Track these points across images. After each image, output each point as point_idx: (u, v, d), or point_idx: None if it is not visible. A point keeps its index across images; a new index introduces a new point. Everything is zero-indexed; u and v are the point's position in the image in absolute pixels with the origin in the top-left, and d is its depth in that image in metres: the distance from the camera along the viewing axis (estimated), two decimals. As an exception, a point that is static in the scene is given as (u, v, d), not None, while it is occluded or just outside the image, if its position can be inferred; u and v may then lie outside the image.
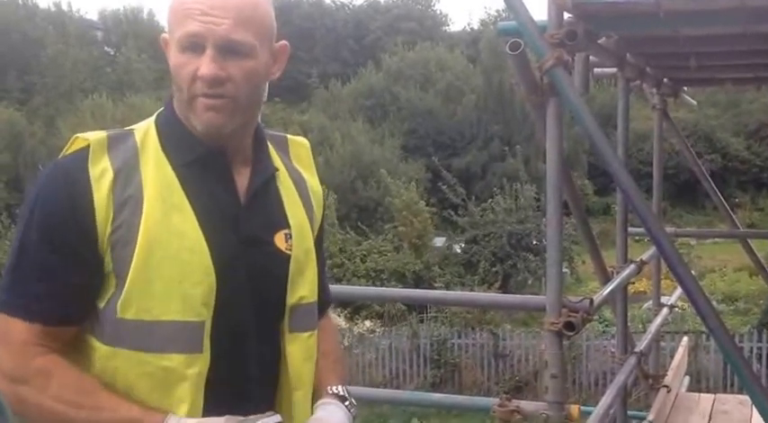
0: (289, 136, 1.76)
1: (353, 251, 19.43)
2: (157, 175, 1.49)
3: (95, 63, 35.34)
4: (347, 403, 1.65)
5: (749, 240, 6.24)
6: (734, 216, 6.30)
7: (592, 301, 2.84)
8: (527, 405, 2.94)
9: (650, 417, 4.35)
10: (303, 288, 1.62)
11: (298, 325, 1.61)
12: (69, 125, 25.59)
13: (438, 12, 49.17)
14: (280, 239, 1.59)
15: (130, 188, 1.46)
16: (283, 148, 1.72)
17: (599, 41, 3.42)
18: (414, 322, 15.29)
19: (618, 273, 3.89)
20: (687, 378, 5.96)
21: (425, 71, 35.48)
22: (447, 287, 17.51)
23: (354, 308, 16.35)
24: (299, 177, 1.70)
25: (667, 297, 5.57)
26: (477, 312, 15.23)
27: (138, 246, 1.44)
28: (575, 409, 2.85)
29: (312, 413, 1.61)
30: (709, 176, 6.05)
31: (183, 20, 1.47)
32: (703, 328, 9.42)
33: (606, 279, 3.84)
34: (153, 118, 1.59)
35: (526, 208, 19.70)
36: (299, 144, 1.76)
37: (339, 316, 15.39)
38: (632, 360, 4.02)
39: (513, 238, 19.39)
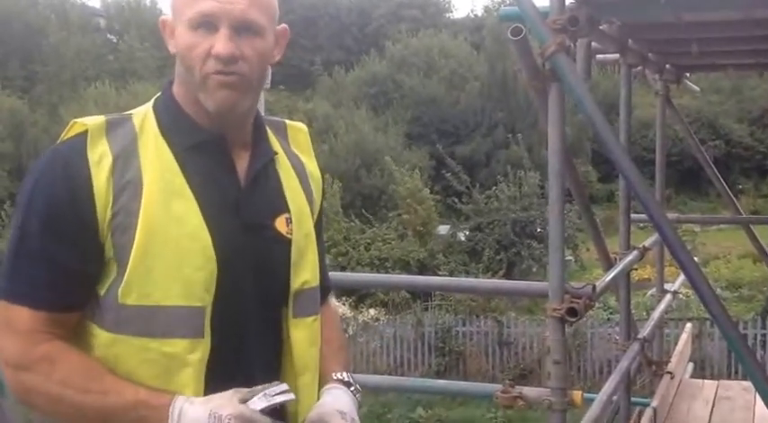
0: (287, 121, 1.77)
1: (358, 239, 19.41)
2: (157, 160, 1.49)
3: (98, 51, 35.16)
4: (352, 389, 1.65)
5: (752, 226, 6.23)
6: (737, 202, 6.30)
7: (594, 286, 2.84)
8: (530, 391, 2.94)
9: (654, 403, 4.36)
10: (306, 272, 1.62)
11: (301, 310, 1.62)
12: (72, 113, 25.37)
13: (441, -2, 48.90)
14: (280, 223, 1.59)
15: (129, 173, 1.46)
16: (282, 133, 1.72)
17: (601, 27, 3.42)
18: (418, 310, 15.30)
19: (621, 259, 3.90)
20: (691, 365, 5.97)
21: (429, 59, 35.30)
22: (451, 275, 17.48)
23: (359, 296, 16.36)
24: (298, 162, 1.70)
25: (671, 284, 5.58)
26: (482, 300, 15.24)
27: (137, 231, 1.44)
28: (577, 395, 2.86)
29: (318, 398, 1.62)
30: (712, 163, 6.05)
31: None
32: (707, 315, 9.42)
33: (609, 265, 3.85)
34: (150, 103, 1.58)
35: (530, 195, 19.64)
36: (298, 129, 1.76)
37: (343, 304, 15.38)
38: (635, 346, 4.02)
39: (518, 225, 19.35)
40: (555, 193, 2.78)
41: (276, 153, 1.65)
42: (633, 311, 4.44)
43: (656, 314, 4.81)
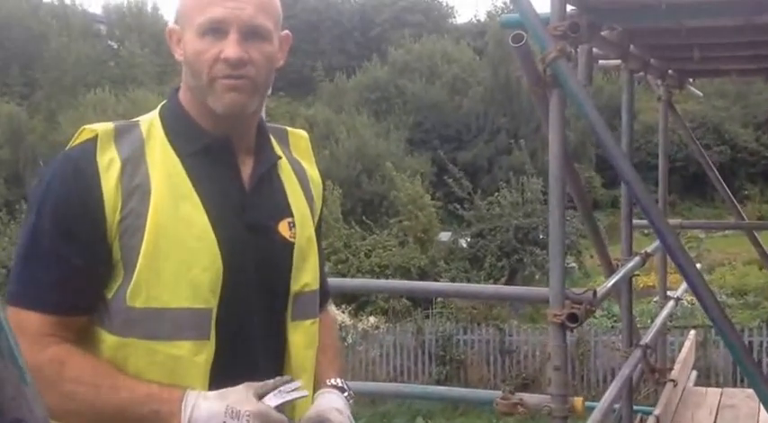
0: (288, 128, 1.81)
1: (358, 246, 19.39)
2: (164, 165, 1.53)
3: (98, 57, 35.21)
4: (346, 394, 1.68)
5: (756, 232, 6.22)
6: (740, 208, 6.28)
7: (595, 292, 2.83)
8: (530, 398, 2.93)
9: (657, 411, 4.34)
10: (306, 275, 1.65)
11: (300, 313, 1.64)
12: (71, 120, 25.53)
13: (444, 4, 48.87)
14: (284, 227, 1.63)
15: (138, 177, 1.50)
16: (283, 139, 1.76)
17: (602, 33, 3.42)
18: (419, 318, 15.26)
19: (622, 265, 3.88)
20: (695, 373, 5.94)
21: (431, 64, 35.33)
22: (452, 282, 17.46)
23: (359, 304, 16.33)
24: (300, 167, 1.74)
25: (675, 291, 5.55)
26: (483, 308, 15.17)
27: (146, 233, 1.47)
28: (578, 402, 2.85)
29: (312, 401, 1.64)
30: (717, 169, 6.03)
31: (205, 6, 1.53)
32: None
33: (611, 272, 3.83)
34: (157, 110, 1.63)
35: (533, 201, 19.56)
36: (299, 136, 1.80)
37: (343, 312, 15.32)
38: (638, 353, 4.00)
39: (520, 232, 19.29)
40: (555, 198, 2.79)
41: (280, 158, 1.69)
42: (638, 319, 4.43)
43: (658, 321, 4.79)
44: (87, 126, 1.55)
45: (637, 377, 4.47)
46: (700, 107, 28.43)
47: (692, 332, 6.63)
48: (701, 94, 6.39)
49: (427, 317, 15.53)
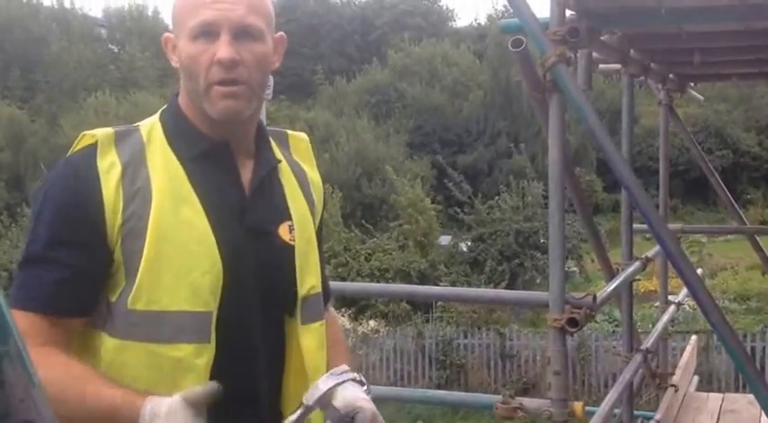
0: (289, 131, 1.82)
1: (358, 250, 19.34)
2: (164, 169, 1.54)
3: (99, 61, 35.20)
4: (365, 388, 1.61)
5: (760, 237, 6.21)
6: (742, 213, 6.27)
7: (595, 296, 2.83)
8: (530, 402, 2.93)
9: (657, 416, 4.33)
10: (311, 278, 1.66)
11: (309, 316, 1.65)
12: (72, 123, 25.53)
13: (444, 7, 49.13)
14: (283, 231, 1.64)
15: (139, 181, 1.51)
16: (284, 142, 1.77)
17: (602, 38, 3.41)
18: (419, 322, 15.21)
19: (623, 269, 3.88)
20: (696, 378, 5.92)
21: (431, 67, 35.33)
22: (453, 286, 17.44)
23: (359, 308, 16.28)
24: (300, 170, 1.75)
25: (676, 295, 5.54)
26: (484, 312, 15.13)
27: (148, 237, 1.48)
28: (578, 407, 2.84)
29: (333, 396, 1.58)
30: (719, 173, 6.02)
31: (195, 9, 1.53)
32: (711, 326, 9.34)
33: (611, 276, 3.82)
34: (157, 115, 1.64)
35: (533, 205, 19.53)
36: (299, 139, 1.81)
37: (343, 316, 15.26)
38: (638, 358, 4.00)
39: (521, 236, 19.25)
40: (555, 202, 2.79)
41: (279, 161, 1.69)
42: (639, 324, 4.42)
43: (659, 325, 4.78)
44: (87, 132, 1.56)
45: (638, 382, 4.46)
46: (701, 111, 28.36)
47: (694, 337, 6.62)
48: (702, 97, 6.39)
49: (427, 321, 15.49)
